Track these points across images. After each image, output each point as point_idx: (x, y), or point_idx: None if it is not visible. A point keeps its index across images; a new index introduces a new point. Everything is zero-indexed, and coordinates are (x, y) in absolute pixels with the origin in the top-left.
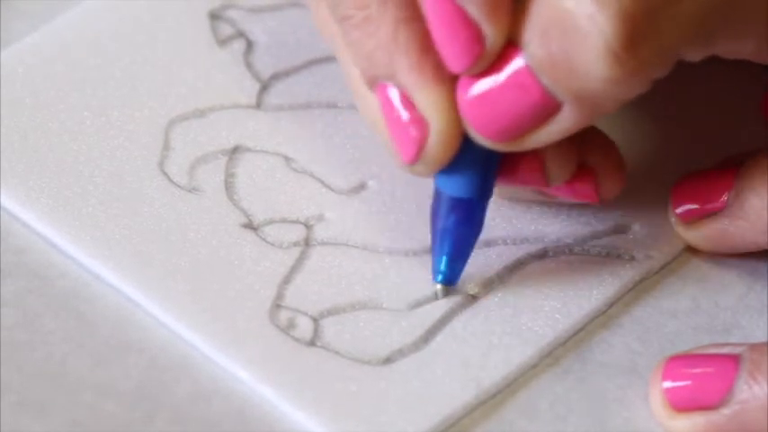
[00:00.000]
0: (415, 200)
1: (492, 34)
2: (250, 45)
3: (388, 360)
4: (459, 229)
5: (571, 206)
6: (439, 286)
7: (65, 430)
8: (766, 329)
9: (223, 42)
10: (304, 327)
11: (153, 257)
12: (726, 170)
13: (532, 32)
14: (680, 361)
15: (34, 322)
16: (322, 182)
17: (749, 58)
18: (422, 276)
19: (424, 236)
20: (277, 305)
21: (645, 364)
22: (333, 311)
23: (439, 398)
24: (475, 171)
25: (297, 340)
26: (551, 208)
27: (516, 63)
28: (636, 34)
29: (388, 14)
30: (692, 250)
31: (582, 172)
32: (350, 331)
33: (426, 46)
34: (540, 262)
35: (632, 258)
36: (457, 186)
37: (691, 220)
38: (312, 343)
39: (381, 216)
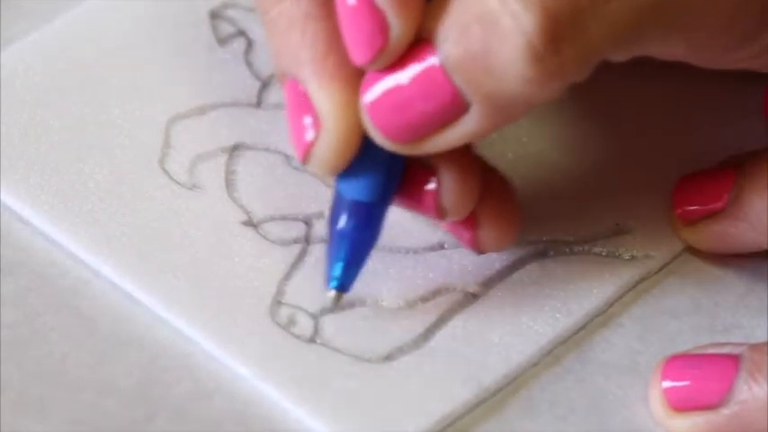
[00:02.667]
0: None
1: (397, 26)
2: (250, 44)
3: (388, 357)
4: (357, 234)
5: (572, 206)
6: (332, 293)
7: (65, 428)
8: (766, 329)
9: (223, 41)
10: (304, 324)
11: (153, 255)
12: (726, 170)
13: (450, 29)
14: (680, 361)
15: (34, 320)
16: (322, 180)
17: (681, 59)
18: (422, 275)
19: (424, 233)
20: (277, 302)
21: (645, 363)
22: (333, 308)
23: (439, 396)
24: (376, 174)
25: (297, 337)
26: (551, 208)
27: (427, 60)
28: (559, 34)
29: (299, 10)
30: (692, 250)
31: (465, 218)
32: (350, 328)
33: (332, 45)
34: (541, 261)
35: (632, 258)
36: (356, 189)
37: (691, 220)
38: (312, 340)
39: None
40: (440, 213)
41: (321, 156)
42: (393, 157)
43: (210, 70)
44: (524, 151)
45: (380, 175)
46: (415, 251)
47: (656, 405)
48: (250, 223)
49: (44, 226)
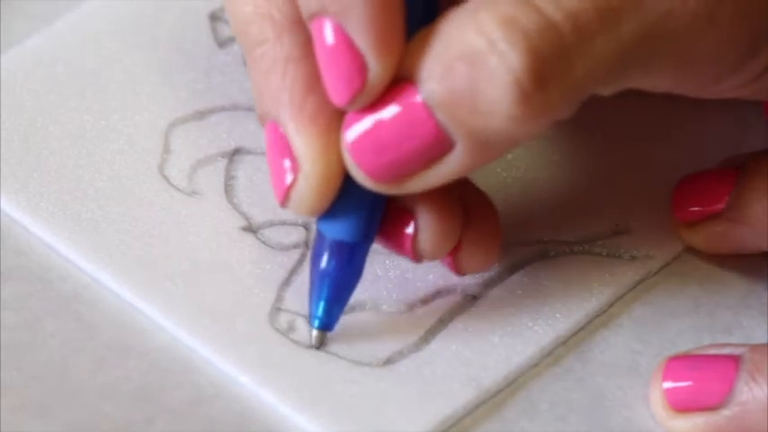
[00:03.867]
0: None
1: (376, 66)
2: None
3: (388, 361)
4: (338, 274)
5: (572, 206)
6: (315, 332)
7: None
8: (767, 330)
9: (223, 44)
10: (303, 329)
11: (153, 261)
12: (726, 172)
13: (433, 67)
14: (680, 361)
15: (35, 325)
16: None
17: (668, 91)
18: (422, 277)
19: None
20: (277, 308)
21: (645, 363)
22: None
23: (439, 398)
24: (357, 215)
25: (296, 343)
26: (551, 208)
27: (410, 99)
28: (546, 73)
29: (281, 52)
30: (692, 250)
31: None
32: (350, 333)
33: (312, 87)
34: (541, 262)
35: (633, 258)
36: (338, 229)
37: (691, 221)
38: (312, 345)
39: None
40: (416, 257)
41: (299, 199)
42: (375, 197)
43: (210, 73)
44: (524, 151)
45: (362, 216)
46: None
47: (657, 406)
48: (249, 229)
49: (44, 234)
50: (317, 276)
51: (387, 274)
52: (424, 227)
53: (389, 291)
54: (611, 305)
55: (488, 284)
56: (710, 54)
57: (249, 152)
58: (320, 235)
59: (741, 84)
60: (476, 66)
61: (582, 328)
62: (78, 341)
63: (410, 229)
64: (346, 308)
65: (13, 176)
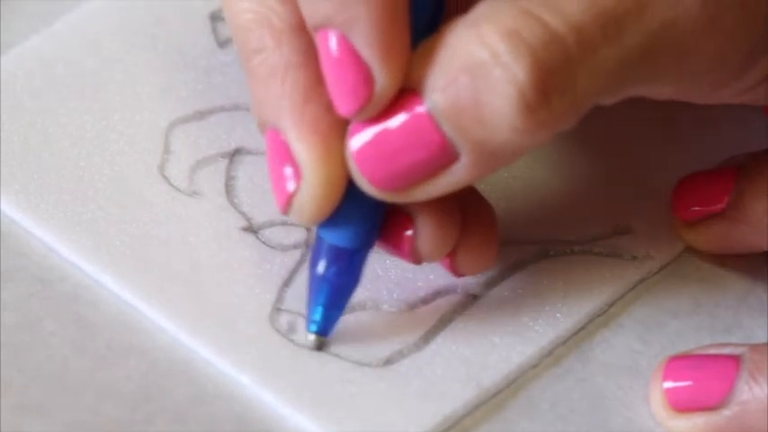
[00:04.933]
0: None
1: (382, 78)
2: None
3: (388, 361)
4: (337, 280)
5: (572, 206)
6: (312, 336)
7: None
8: (767, 329)
9: (224, 44)
10: (304, 330)
11: (153, 262)
12: (727, 172)
13: (438, 79)
14: (680, 361)
15: (35, 325)
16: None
17: (670, 98)
18: (422, 277)
19: None
20: (277, 308)
21: (646, 363)
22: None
23: (439, 398)
24: (358, 222)
25: (297, 343)
26: (552, 208)
27: (415, 110)
28: (550, 85)
29: (280, 59)
30: (693, 250)
31: None
32: (350, 333)
33: (312, 94)
34: (542, 261)
35: (633, 258)
36: (339, 236)
37: (691, 221)
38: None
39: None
40: (415, 259)
41: (301, 207)
42: (376, 205)
43: (211, 73)
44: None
45: (363, 223)
46: None
47: (657, 406)
48: (250, 229)
49: (44, 234)
50: (315, 282)
51: (387, 274)
52: (422, 230)
53: (390, 290)
54: (611, 305)
55: (489, 284)
56: (712, 62)
57: (249, 152)
58: (320, 240)
59: (742, 90)
60: (479, 77)
61: (582, 328)
62: (78, 341)
63: (409, 233)
64: (347, 308)
65: (13, 177)
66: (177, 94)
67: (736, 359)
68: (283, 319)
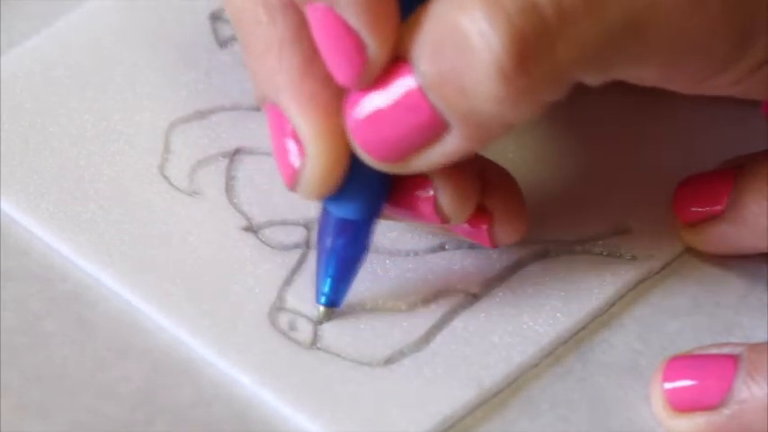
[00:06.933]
0: None
1: (373, 45)
2: None
3: (388, 361)
4: (345, 251)
5: (572, 206)
6: (321, 308)
7: None
8: (767, 329)
9: (224, 44)
10: (304, 329)
11: (153, 261)
12: (726, 173)
13: (423, 49)
14: (680, 361)
15: (35, 325)
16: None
17: (656, 84)
18: (422, 277)
19: (424, 236)
20: (277, 308)
21: (646, 363)
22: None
23: (440, 398)
24: (364, 193)
25: (297, 343)
26: (552, 208)
27: (406, 80)
28: (527, 54)
29: (275, 34)
30: (693, 250)
31: (478, 214)
32: (350, 333)
33: (309, 69)
34: (542, 261)
35: (633, 258)
36: (345, 208)
37: (691, 222)
38: (312, 345)
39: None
40: (442, 219)
41: (307, 183)
42: (381, 176)
43: (211, 73)
44: (525, 151)
45: (368, 194)
46: (416, 253)
47: (658, 406)
48: (250, 229)
49: (44, 234)
50: (323, 254)
51: (387, 274)
52: (442, 190)
53: (390, 290)
54: (611, 305)
55: (489, 284)
56: (700, 45)
57: (250, 152)
58: (327, 213)
59: (733, 80)
60: (460, 47)
61: (583, 328)
62: (78, 342)
63: (429, 193)
64: (346, 307)
65: (14, 177)
66: (177, 93)
67: (734, 358)
68: (283, 319)
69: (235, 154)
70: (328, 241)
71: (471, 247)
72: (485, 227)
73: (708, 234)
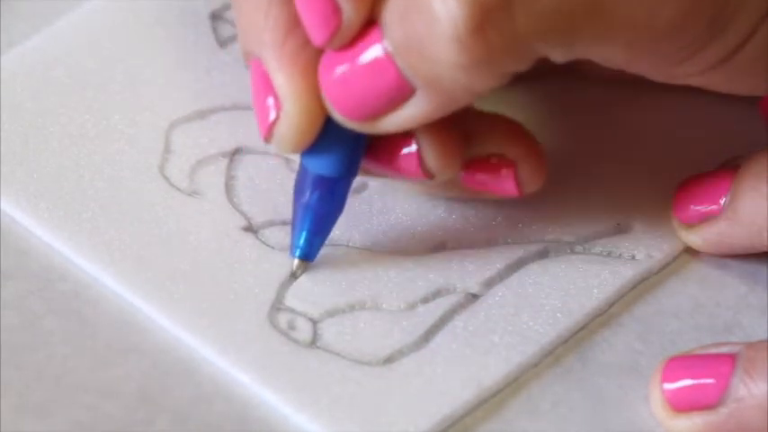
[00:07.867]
0: (415, 200)
1: (348, 8)
2: None
3: (388, 360)
4: (320, 207)
5: (572, 206)
6: (296, 261)
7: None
8: (767, 329)
9: (224, 43)
10: (304, 328)
11: (153, 261)
12: (724, 173)
13: (392, 14)
14: (679, 361)
15: (35, 324)
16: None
17: (624, 67)
18: (422, 276)
19: (424, 236)
20: (277, 308)
21: (646, 363)
22: (333, 312)
23: (440, 397)
24: (339, 150)
25: (297, 342)
26: (552, 208)
27: (375, 44)
28: (485, 21)
29: None
30: (692, 250)
31: (501, 164)
32: (350, 332)
33: (293, 28)
34: (541, 261)
35: (633, 258)
36: (321, 164)
37: (691, 222)
38: (312, 344)
39: (381, 216)
40: (427, 174)
41: (282, 136)
42: (356, 135)
43: (211, 73)
44: None
45: (344, 151)
46: (416, 252)
47: (657, 406)
48: (250, 229)
49: (44, 233)
50: (300, 209)
51: (387, 273)
52: (426, 145)
53: (390, 289)
54: (611, 305)
55: (489, 283)
56: (665, 27)
57: (250, 152)
58: (304, 169)
59: (701, 69)
60: (424, 13)
61: (582, 328)
62: (78, 340)
63: (412, 148)
64: (346, 306)
65: (14, 176)
66: (178, 93)
67: (731, 357)
68: (283, 318)
69: (235, 154)
70: (304, 196)
71: (471, 246)
72: (510, 175)
73: (706, 234)
